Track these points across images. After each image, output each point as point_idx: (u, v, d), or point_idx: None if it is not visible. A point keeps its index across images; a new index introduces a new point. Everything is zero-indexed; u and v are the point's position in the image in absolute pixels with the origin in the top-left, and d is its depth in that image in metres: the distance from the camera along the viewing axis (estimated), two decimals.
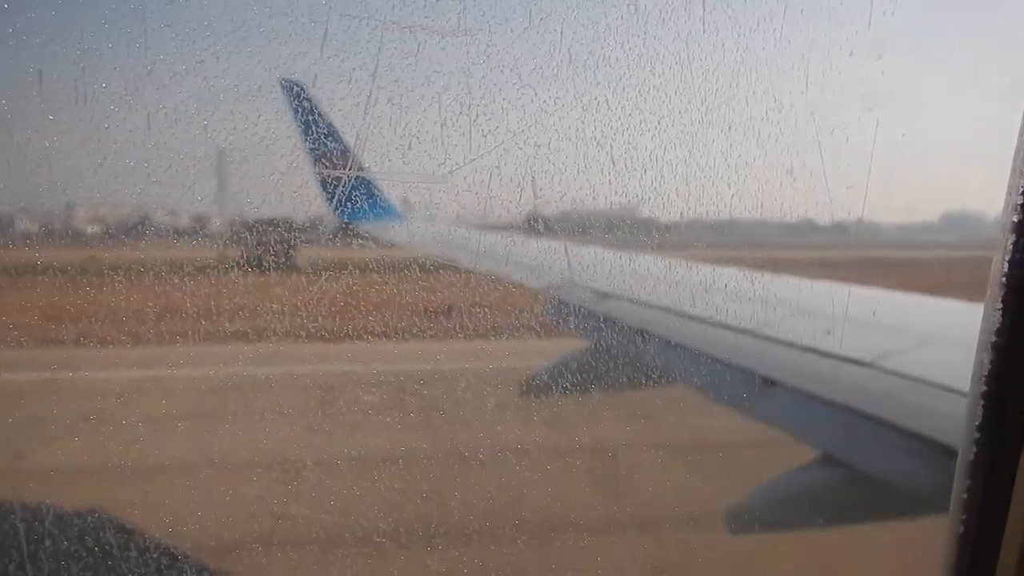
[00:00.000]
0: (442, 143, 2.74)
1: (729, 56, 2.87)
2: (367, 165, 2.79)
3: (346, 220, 3.04)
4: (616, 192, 2.93)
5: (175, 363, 3.30)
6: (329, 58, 2.55)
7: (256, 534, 3.72)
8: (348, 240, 3.12)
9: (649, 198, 2.98)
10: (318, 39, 2.49)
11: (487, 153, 2.77)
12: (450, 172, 2.80)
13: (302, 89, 2.66)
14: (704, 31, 2.79)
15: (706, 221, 3.18)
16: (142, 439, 3.50)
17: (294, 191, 2.80)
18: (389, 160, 2.77)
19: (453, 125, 2.71)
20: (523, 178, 2.88)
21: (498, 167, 2.83)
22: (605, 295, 3.55)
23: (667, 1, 2.74)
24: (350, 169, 2.83)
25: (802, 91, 2.93)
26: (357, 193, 2.90)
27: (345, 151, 2.79)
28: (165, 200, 2.79)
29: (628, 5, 2.72)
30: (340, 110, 2.65)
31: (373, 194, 2.99)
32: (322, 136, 2.86)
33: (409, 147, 2.80)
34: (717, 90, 2.90)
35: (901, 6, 2.88)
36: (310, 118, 2.78)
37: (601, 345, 3.50)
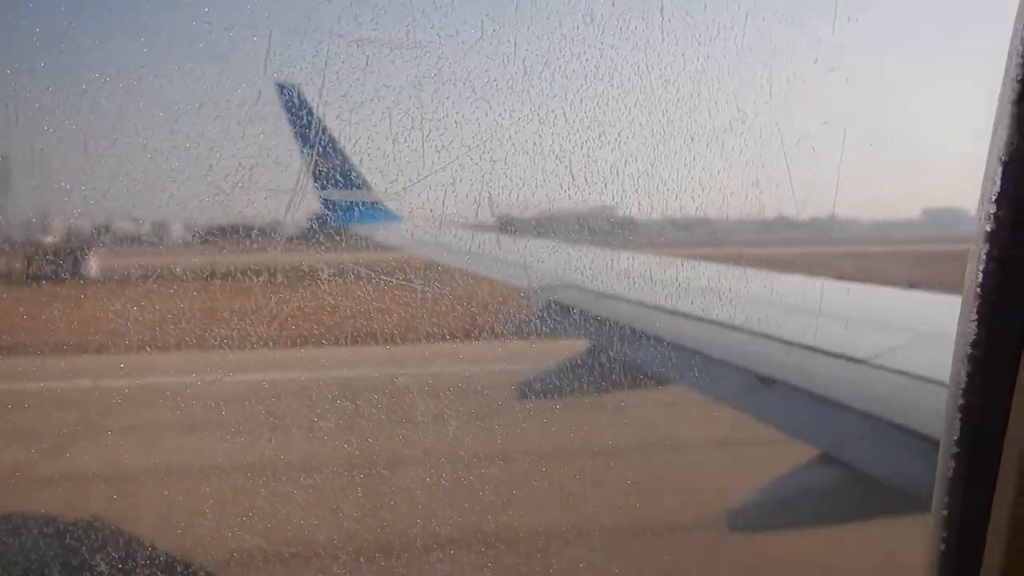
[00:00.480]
0: (394, 159, 2.66)
1: (690, 65, 2.81)
2: (316, 184, 2.70)
3: (339, 222, 3.01)
4: (576, 207, 2.86)
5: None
6: (273, 74, 2.47)
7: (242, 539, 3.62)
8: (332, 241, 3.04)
9: (610, 213, 2.91)
10: (260, 55, 2.41)
11: (441, 169, 2.69)
12: (403, 189, 2.72)
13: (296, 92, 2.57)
14: (663, 40, 2.72)
15: (670, 235, 3.11)
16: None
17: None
18: (339, 178, 2.68)
19: (405, 141, 2.63)
20: (479, 194, 2.80)
21: (453, 183, 2.75)
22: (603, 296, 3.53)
23: (624, 10, 2.68)
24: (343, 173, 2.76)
25: (766, 101, 2.87)
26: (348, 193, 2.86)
27: (335, 152, 2.72)
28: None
29: (584, 15, 2.66)
30: (285, 128, 2.58)
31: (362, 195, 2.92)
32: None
33: (360, 163, 2.72)
34: (678, 100, 2.83)
35: (865, 11, 2.83)
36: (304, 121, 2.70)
37: (594, 346, 3.48)
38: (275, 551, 3.57)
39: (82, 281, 3.09)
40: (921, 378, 2.84)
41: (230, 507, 3.62)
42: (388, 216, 3.31)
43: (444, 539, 3.56)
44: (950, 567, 1.31)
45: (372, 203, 3.04)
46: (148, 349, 3.07)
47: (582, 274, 3.39)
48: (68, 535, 3.22)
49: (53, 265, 3.02)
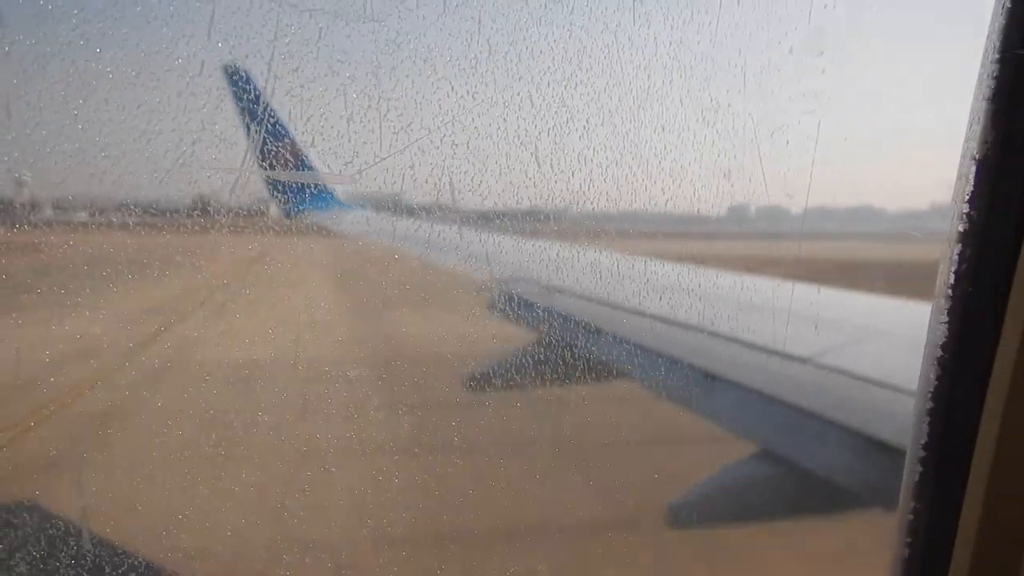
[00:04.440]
0: (349, 140, 2.61)
1: (662, 50, 2.81)
2: (263, 163, 2.63)
3: (287, 209, 3.01)
4: (541, 196, 2.84)
5: None
6: (218, 43, 2.40)
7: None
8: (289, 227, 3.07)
9: (577, 202, 2.90)
10: (204, 23, 2.33)
11: (399, 152, 2.65)
12: (358, 172, 2.67)
13: (244, 76, 2.52)
14: (634, 23, 2.72)
15: (639, 226, 3.11)
16: None
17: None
18: (288, 158, 2.62)
19: (361, 121, 2.58)
20: (439, 179, 2.77)
21: (411, 167, 2.71)
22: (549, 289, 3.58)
23: None
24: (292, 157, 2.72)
25: (739, 90, 2.89)
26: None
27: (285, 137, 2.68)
28: None
29: None
30: (230, 101, 2.50)
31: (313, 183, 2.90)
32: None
33: (312, 144, 2.66)
34: (649, 87, 2.83)
35: (843, 0, 2.85)
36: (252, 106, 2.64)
37: (545, 338, 3.55)
38: (214, 549, 3.53)
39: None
40: (860, 377, 2.94)
41: (164, 504, 3.56)
42: (341, 204, 3.28)
43: (390, 534, 3.56)
44: (917, 569, 1.34)
45: (323, 189, 3.00)
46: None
47: (538, 268, 3.42)
48: None
49: None
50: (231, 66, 2.56)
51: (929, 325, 1.27)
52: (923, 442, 1.30)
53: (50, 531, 3.03)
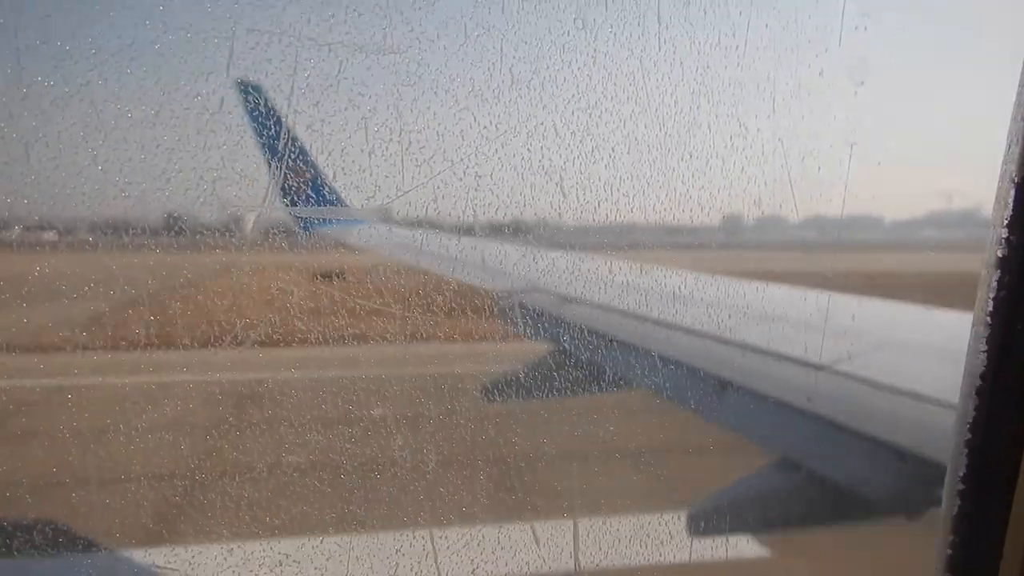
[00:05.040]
0: (370, 174, 2.57)
1: (688, 76, 2.75)
2: (284, 200, 2.60)
3: (301, 224, 3.03)
4: (567, 227, 2.78)
5: None
6: (237, 80, 2.38)
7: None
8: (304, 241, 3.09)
9: (603, 233, 2.83)
10: (222, 60, 2.31)
11: (422, 185, 2.61)
12: (381, 207, 2.63)
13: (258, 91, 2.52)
14: (660, 48, 2.67)
15: (665, 256, 3.05)
16: None
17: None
18: (310, 193, 2.58)
19: (382, 154, 2.54)
20: (463, 212, 2.72)
21: (435, 200, 2.66)
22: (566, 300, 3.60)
23: (619, 15, 2.62)
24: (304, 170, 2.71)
25: (768, 115, 2.82)
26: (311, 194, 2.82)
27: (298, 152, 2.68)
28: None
29: (575, 19, 2.59)
30: (250, 138, 2.48)
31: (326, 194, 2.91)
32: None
33: (333, 178, 2.63)
34: (676, 114, 2.77)
35: (875, 21, 2.79)
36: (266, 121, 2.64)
37: (560, 349, 3.57)
38: (240, 553, 3.55)
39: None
40: (881, 386, 2.90)
41: (187, 507, 3.75)
42: (354, 220, 3.28)
43: (395, 533, 3.56)
44: None
45: (340, 202, 3.01)
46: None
47: (552, 278, 3.43)
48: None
49: None
50: (243, 82, 2.54)
51: (968, 353, 1.25)
52: (961, 474, 1.26)
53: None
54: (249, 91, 2.59)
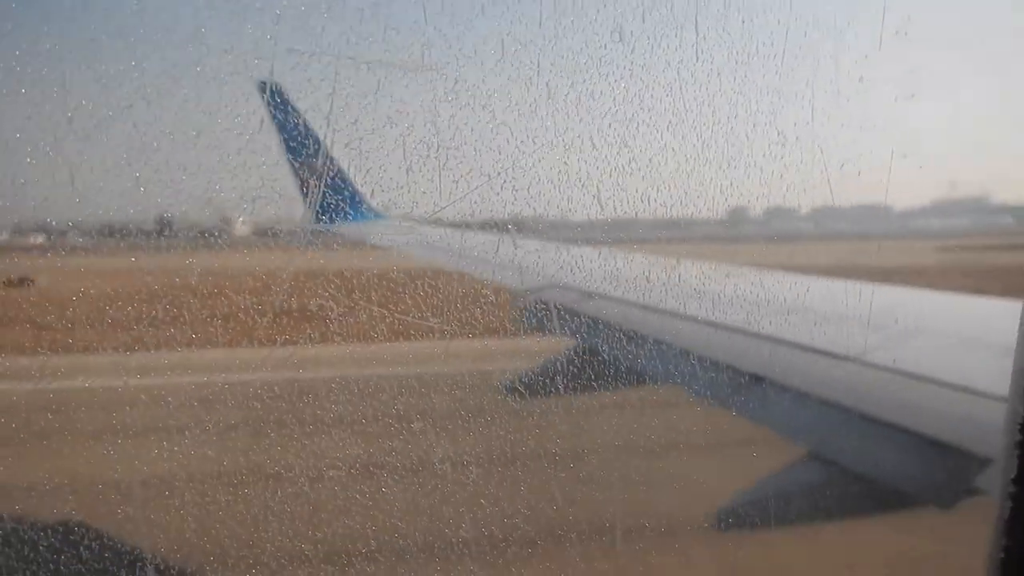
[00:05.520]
0: (408, 190, 2.58)
1: (726, 85, 2.74)
2: (324, 217, 2.62)
3: (325, 223, 3.05)
4: (605, 240, 2.78)
5: None
6: (276, 99, 2.40)
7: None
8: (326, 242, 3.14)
9: (641, 246, 2.83)
10: (262, 78, 2.33)
11: (459, 200, 2.61)
12: (419, 222, 2.64)
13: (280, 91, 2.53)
14: (697, 59, 2.66)
15: (706, 266, 3.03)
16: None
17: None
18: (348, 211, 2.60)
19: (420, 170, 2.56)
20: (500, 226, 2.72)
21: (472, 215, 2.67)
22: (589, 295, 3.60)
23: (656, 27, 2.61)
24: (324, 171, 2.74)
25: (807, 123, 2.80)
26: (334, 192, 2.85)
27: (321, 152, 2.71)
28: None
29: (612, 32, 2.59)
30: (289, 156, 2.50)
31: (351, 195, 2.93)
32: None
33: (371, 195, 2.65)
34: (714, 124, 2.76)
35: (914, 25, 2.76)
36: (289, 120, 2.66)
37: (584, 345, 3.56)
38: (258, 555, 3.60)
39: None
40: (910, 375, 2.86)
41: (213, 509, 3.71)
42: (376, 216, 3.29)
43: (430, 539, 3.61)
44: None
45: (360, 201, 3.02)
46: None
47: (576, 274, 3.43)
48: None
49: None
50: (263, 83, 2.56)
51: (1016, 351, 1.25)
52: (1013, 475, 1.24)
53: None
54: (273, 92, 2.61)
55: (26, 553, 3.05)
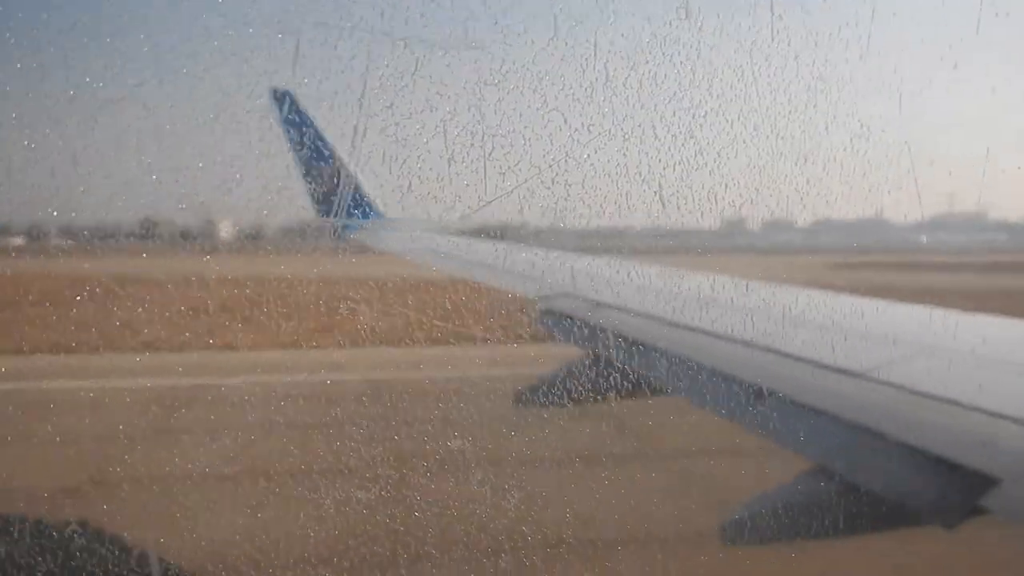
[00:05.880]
0: (449, 183, 2.31)
1: (804, 71, 2.45)
2: (354, 211, 2.37)
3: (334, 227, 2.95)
4: (669, 242, 2.49)
5: None
6: (304, 78, 2.14)
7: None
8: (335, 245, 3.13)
9: (708, 249, 2.53)
10: (289, 53, 2.08)
11: (506, 195, 2.34)
12: (460, 218, 2.37)
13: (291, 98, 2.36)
14: (773, 40, 2.37)
15: (778, 271, 2.74)
16: None
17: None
18: (383, 205, 2.34)
19: (462, 160, 2.28)
20: (552, 220, 2.44)
21: (519, 211, 2.39)
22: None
23: (727, 3, 2.33)
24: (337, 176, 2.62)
25: (894, 114, 2.51)
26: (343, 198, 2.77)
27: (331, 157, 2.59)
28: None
29: (678, 8, 2.31)
30: (297, 148, 2.24)
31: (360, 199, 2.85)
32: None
33: (408, 188, 2.37)
34: (789, 113, 2.47)
35: (1020, 4, 2.46)
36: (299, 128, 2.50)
37: (593, 355, 3.53)
38: (270, 557, 3.60)
39: None
40: (918, 392, 2.73)
41: (226, 510, 3.74)
42: (380, 215, 3.22)
43: (441, 545, 3.63)
44: None
45: (367, 203, 2.93)
46: None
47: (586, 283, 3.39)
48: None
49: None
50: (277, 91, 2.39)
51: None
52: None
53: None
54: (283, 100, 2.46)
55: None
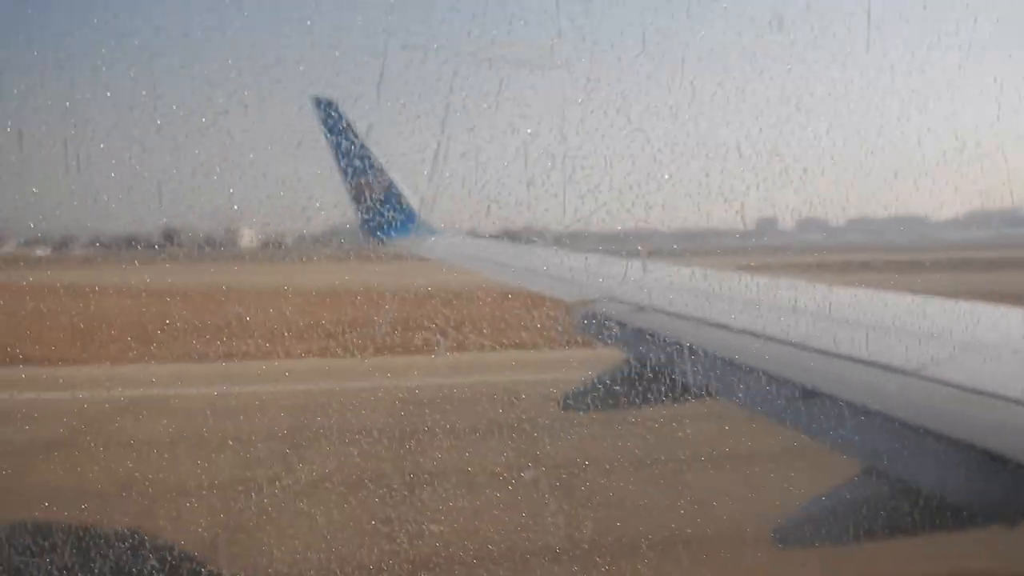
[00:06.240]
0: (528, 207, 2.25)
1: (899, 82, 2.34)
2: (433, 238, 2.32)
3: (376, 235, 3.06)
4: (750, 266, 2.40)
5: None
6: (387, 101, 2.09)
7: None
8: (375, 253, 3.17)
9: (794, 272, 2.44)
10: (373, 77, 2.02)
11: (585, 218, 2.27)
12: (537, 243, 2.31)
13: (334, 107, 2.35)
14: (868, 51, 2.26)
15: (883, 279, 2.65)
16: None
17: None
18: (460, 227, 2.28)
19: (543, 184, 2.21)
20: (631, 248, 2.37)
21: (600, 234, 2.32)
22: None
23: (821, 14, 2.22)
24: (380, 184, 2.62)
25: (992, 123, 2.39)
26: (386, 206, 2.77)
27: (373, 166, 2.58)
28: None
29: (771, 21, 2.21)
30: (399, 168, 2.19)
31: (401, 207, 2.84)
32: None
33: (487, 212, 2.32)
34: (881, 127, 2.37)
35: None
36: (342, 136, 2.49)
37: (637, 358, 3.52)
38: (302, 565, 3.61)
39: None
40: (974, 390, 2.62)
41: (249, 519, 3.80)
42: (427, 229, 3.23)
43: (488, 550, 3.62)
44: None
45: (409, 213, 2.93)
46: None
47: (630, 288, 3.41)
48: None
49: None
50: (320, 99, 2.38)
51: None
52: None
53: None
54: (327, 108, 2.43)
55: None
